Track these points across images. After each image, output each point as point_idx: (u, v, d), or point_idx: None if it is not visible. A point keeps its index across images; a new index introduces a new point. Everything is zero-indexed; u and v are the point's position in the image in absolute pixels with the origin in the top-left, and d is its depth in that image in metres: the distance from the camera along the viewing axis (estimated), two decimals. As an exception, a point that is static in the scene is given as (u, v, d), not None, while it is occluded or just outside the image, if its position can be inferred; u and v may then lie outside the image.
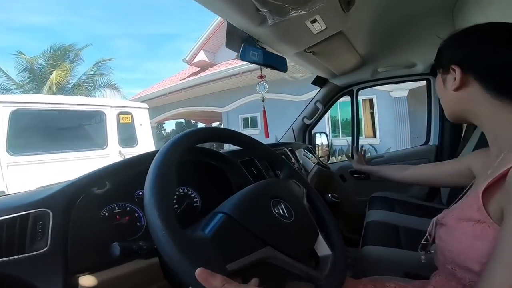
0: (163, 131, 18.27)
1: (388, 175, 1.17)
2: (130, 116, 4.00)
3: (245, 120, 9.65)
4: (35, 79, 9.95)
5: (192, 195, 0.86)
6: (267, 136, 1.34)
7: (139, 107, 4.26)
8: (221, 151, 0.88)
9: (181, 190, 0.84)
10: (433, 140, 1.93)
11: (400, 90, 7.03)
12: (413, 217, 1.48)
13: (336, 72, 1.94)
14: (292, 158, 1.27)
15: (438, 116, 1.89)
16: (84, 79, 10.75)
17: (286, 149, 1.30)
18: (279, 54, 1.40)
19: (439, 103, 1.94)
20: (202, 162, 0.86)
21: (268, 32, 1.16)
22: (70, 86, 10.42)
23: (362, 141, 7.22)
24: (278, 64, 1.40)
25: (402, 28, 1.75)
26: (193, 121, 16.75)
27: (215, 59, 10.62)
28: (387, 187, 1.96)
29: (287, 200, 0.54)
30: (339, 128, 8.21)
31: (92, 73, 10.84)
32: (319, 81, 2.09)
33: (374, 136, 7.56)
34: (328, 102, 2.12)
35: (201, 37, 10.42)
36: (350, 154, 2.17)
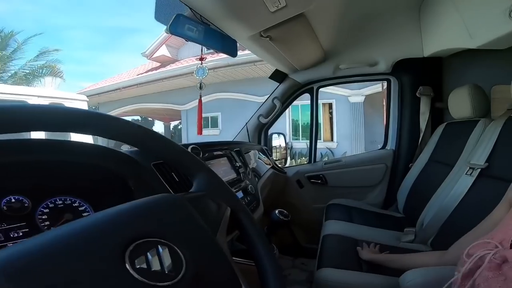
0: (116, 129, 16.83)
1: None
2: (63, 109, 3.42)
3: (205, 119, 9.27)
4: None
5: (82, 208, 0.59)
6: (199, 132, 1.10)
7: (76, 99, 3.74)
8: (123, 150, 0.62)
9: (59, 201, 0.57)
10: (391, 145, 1.85)
11: (358, 96, 7.27)
12: (372, 228, 1.36)
13: (297, 66, 1.78)
14: (238, 161, 1.04)
15: (396, 120, 1.81)
16: (25, 69, 9.69)
17: (230, 150, 1.06)
18: (228, 34, 1.17)
19: (398, 106, 1.91)
20: (99, 166, 0.59)
21: (216, 6, 0.93)
22: (7, 76, 9.34)
23: (320, 144, 7.36)
24: (224, 46, 1.16)
25: (368, 22, 1.68)
26: (150, 119, 15.83)
27: (178, 55, 10.13)
28: (344, 194, 1.85)
29: (176, 239, 0.30)
30: (299, 132, 8.26)
31: (35, 63, 9.78)
32: (278, 76, 1.91)
33: (332, 139, 7.73)
34: (287, 99, 1.94)
35: (164, 31, 9.77)
36: (308, 157, 2.03)
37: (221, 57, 7.60)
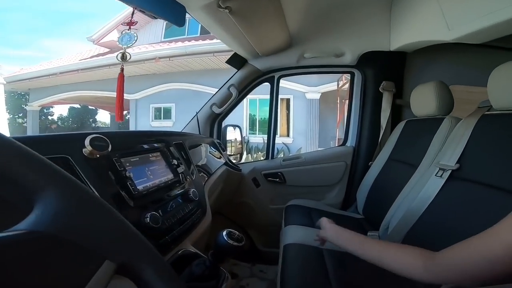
0: (49, 117, 15.01)
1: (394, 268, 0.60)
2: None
3: (158, 110, 8.63)
4: None
5: None
6: (118, 118, 0.84)
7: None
8: None
9: None
10: (351, 141, 1.76)
11: (314, 93, 7.41)
12: None
13: (258, 51, 1.59)
14: (177, 157, 0.80)
15: (357, 116, 1.73)
16: None
17: (169, 143, 0.81)
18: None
19: (360, 101, 1.74)
20: None
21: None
22: None
23: (277, 139, 7.25)
24: (167, 13, 0.91)
25: (338, 10, 1.58)
26: (91, 107, 14.37)
27: None
28: (303, 194, 1.73)
29: None
30: (256, 126, 8.15)
31: None
32: (236, 61, 1.70)
33: (288, 135, 7.78)
34: (244, 88, 1.74)
35: (119, 15, 9.00)
36: (265, 153, 1.86)
37: (177, 46, 7.15)
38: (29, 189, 0.23)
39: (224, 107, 1.70)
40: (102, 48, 9.39)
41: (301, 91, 7.43)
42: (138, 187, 0.59)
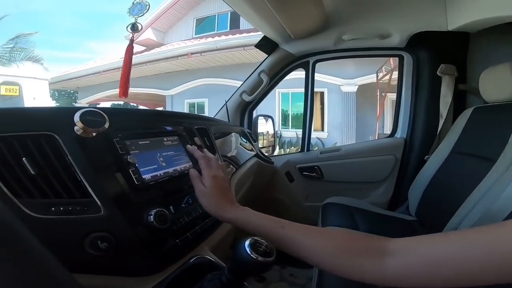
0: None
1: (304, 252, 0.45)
2: (17, 88, 3.02)
3: (192, 105, 8.80)
4: None
5: None
6: (121, 95, 0.74)
7: (33, 77, 3.28)
8: None
9: None
10: (401, 132, 1.53)
11: (351, 86, 6.99)
12: None
13: (291, 33, 1.43)
14: (195, 143, 0.67)
15: (409, 104, 1.49)
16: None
17: (190, 127, 0.69)
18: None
19: (413, 87, 1.46)
20: None
21: None
22: None
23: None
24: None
25: None
26: (132, 104, 15.23)
27: (164, 39, 9.66)
28: (343, 191, 1.53)
29: None
30: (289, 121, 7.91)
31: (11, 45, 9.50)
32: (266, 45, 1.55)
33: (322, 129, 7.43)
34: (276, 74, 1.59)
35: (151, 14, 9.35)
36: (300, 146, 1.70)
37: (208, 41, 7.19)
38: None
39: (255, 94, 1.56)
40: (139, 47, 9.82)
41: (336, 84, 7.05)
42: (144, 176, 0.47)
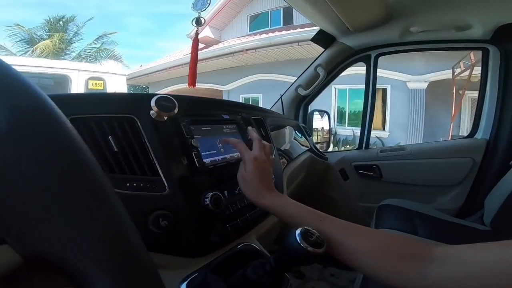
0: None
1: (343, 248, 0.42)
2: (102, 82, 3.50)
3: (247, 100, 9.02)
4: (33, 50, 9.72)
5: None
6: (190, 84, 0.79)
7: (114, 73, 3.74)
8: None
9: None
10: (483, 133, 1.33)
11: (419, 82, 6.30)
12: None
13: (350, 26, 1.35)
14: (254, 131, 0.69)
15: (494, 101, 1.29)
16: (86, 51, 10.68)
17: (248, 117, 0.71)
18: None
19: (500, 83, 1.26)
20: None
21: None
22: (71, 57, 10.23)
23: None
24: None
25: None
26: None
27: (221, 36, 10.10)
28: (403, 193, 1.40)
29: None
30: (346, 118, 7.54)
31: (98, 46, 10.77)
32: (322, 39, 1.48)
33: (383, 128, 6.89)
34: (334, 68, 1.52)
35: (208, 12, 9.83)
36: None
37: (262, 37, 7.24)
38: None
39: (311, 89, 1.52)
40: (199, 44, 10.44)
41: (402, 80, 6.43)
42: (204, 160, 0.51)
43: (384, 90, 6.84)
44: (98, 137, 0.41)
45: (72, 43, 10.37)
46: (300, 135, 1.31)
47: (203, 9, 0.72)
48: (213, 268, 0.45)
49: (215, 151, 0.55)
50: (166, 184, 0.44)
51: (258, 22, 9.25)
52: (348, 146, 6.16)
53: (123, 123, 0.44)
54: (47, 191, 0.16)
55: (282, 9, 8.53)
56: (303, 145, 1.29)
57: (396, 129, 6.65)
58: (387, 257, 0.38)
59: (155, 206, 0.41)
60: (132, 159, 0.43)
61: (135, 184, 0.41)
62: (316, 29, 1.45)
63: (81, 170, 0.18)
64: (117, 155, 0.42)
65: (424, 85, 6.30)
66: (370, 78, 1.53)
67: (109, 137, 0.42)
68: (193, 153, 0.49)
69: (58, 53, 9.58)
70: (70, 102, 0.43)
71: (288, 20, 8.29)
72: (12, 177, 0.15)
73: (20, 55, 9.61)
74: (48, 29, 9.96)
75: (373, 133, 6.48)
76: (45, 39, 9.74)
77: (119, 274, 0.16)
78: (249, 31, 9.43)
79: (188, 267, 0.44)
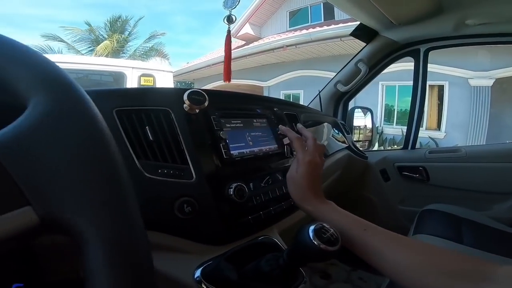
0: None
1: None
2: (152, 78, 3.74)
3: (287, 97, 8.94)
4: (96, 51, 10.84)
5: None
6: (226, 79, 0.81)
7: (163, 70, 3.98)
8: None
9: None
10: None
11: (484, 79, 5.59)
12: (498, 257, 0.83)
13: (392, 19, 1.25)
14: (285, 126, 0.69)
15: None
16: (140, 50, 11.56)
17: (280, 111, 0.72)
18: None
19: None
20: None
21: None
22: (126, 56, 11.15)
23: (422, 132, 6.06)
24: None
25: None
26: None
27: (261, 33, 10.14)
28: (452, 199, 1.27)
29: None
30: (394, 117, 7.04)
31: (149, 45, 11.62)
32: (363, 34, 1.40)
33: (439, 129, 6.28)
34: (377, 63, 1.44)
35: (247, 9, 10.01)
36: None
37: (302, 33, 7.10)
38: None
39: (351, 85, 1.45)
40: (240, 41, 10.57)
41: (462, 76, 5.77)
42: (232, 152, 0.53)
43: (440, 87, 6.23)
44: (137, 127, 0.46)
45: (127, 42, 11.25)
46: (338, 132, 1.27)
47: (233, 7, 0.75)
48: (228, 256, 0.47)
49: (244, 144, 0.57)
50: (193, 173, 0.47)
51: (298, 18, 9.09)
52: (395, 146, 5.76)
53: (159, 115, 0.49)
54: (71, 168, 0.19)
55: (322, 4, 8.25)
56: (341, 143, 1.25)
57: (453, 129, 6.01)
58: (439, 274, 0.34)
59: (181, 192, 0.44)
60: (165, 148, 0.47)
61: (165, 171, 0.45)
62: (358, 24, 1.38)
63: (103, 157, 0.21)
64: (152, 144, 0.46)
65: (490, 82, 5.59)
66: (420, 74, 1.41)
67: (146, 127, 0.46)
68: (221, 145, 0.51)
69: (116, 52, 10.51)
70: (116, 96, 0.49)
71: (329, 15, 8.00)
72: (49, 154, 0.19)
73: (84, 54, 10.80)
74: (109, 29, 10.93)
75: (427, 133, 6.03)
76: (106, 39, 10.71)
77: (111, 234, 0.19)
78: (289, 27, 9.32)
79: (207, 254, 0.47)
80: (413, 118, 1.43)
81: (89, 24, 10.64)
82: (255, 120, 0.63)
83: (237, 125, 0.58)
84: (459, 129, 5.93)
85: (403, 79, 5.88)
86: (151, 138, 0.46)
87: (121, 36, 10.74)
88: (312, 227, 0.36)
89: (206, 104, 0.50)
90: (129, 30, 11.26)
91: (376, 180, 1.44)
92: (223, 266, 0.43)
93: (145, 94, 0.51)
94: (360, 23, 1.34)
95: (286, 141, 0.61)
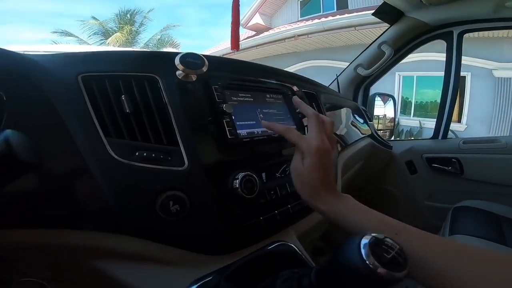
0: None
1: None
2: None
3: (299, 88, 8.80)
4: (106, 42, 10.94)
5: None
6: (233, 47, 0.70)
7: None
8: None
9: None
10: None
11: (509, 70, 5.27)
12: None
13: None
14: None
15: None
16: (152, 42, 11.62)
17: (298, 89, 0.58)
18: None
19: None
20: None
21: None
22: (139, 47, 11.22)
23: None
24: None
25: None
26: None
27: (271, 23, 9.88)
28: (490, 195, 1.13)
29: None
30: (411, 108, 6.75)
31: (158, 37, 11.62)
32: (388, 14, 1.27)
33: (459, 121, 5.97)
34: (402, 46, 1.31)
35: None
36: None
37: (314, 22, 6.90)
38: None
39: (373, 68, 1.32)
40: (250, 32, 10.42)
41: (485, 67, 5.48)
42: (239, 131, 0.40)
43: (462, 78, 5.92)
44: (110, 96, 0.34)
45: (138, 34, 11.31)
46: (359, 119, 1.14)
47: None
48: (230, 273, 0.35)
49: (254, 122, 0.44)
50: (185, 157, 0.34)
51: (309, 7, 8.79)
52: (412, 138, 5.52)
53: (143, 83, 0.37)
54: None
55: (334, -8, 7.97)
56: (362, 131, 1.11)
57: (475, 122, 5.73)
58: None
59: (167, 184, 0.32)
60: (147, 122, 0.35)
61: (145, 154, 0.33)
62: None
63: None
64: (128, 117, 0.34)
65: (516, 73, 5.27)
66: (453, 59, 1.27)
67: (122, 96, 0.35)
68: (224, 121, 0.39)
69: (128, 44, 10.54)
70: (84, 59, 0.37)
71: (342, 4, 7.71)
72: None
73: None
74: (118, 22, 10.96)
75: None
76: (116, 31, 10.75)
77: None
78: (300, 17, 9.07)
79: (202, 267, 0.35)
80: (445, 106, 1.29)
81: (95, 18, 10.77)
82: (268, 96, 0.50)
83: (246, 99, 0.45)
84: (481, 121, 5.64)
85: (421, 69, 5.62)
86: (127, 110, 0.34)
87: (132, 28, 10.79)
88: (364, 240, 0.23)
89: (204, 69, 0.37)
90: (140, 22, 11.33)
91: (401, 172, 1.30)
92: (225, 287, 0.31)
93: (126, 58, 0.39)
94: (384, 3, 1.22)
95: (305, 121, 0.49)
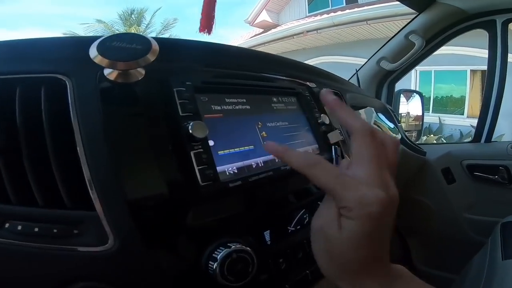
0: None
1: None
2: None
3: (309, 86, 8.65)
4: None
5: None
6: (202, 29, 0.53)
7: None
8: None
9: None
10: None
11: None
12: None
13: None
14: (325, 111, 0.38)
15: None
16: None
17: (312, 87, 0.40)
18: None
19: None
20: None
21: None
22: None
23: (463, 120, 5.57)
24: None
25: None
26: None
27: (279, 20, 9.72)
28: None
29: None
30: (430, 103, 6.44)
31: (163, 35, 11.54)
32: (415, 1, 1.11)
33: (484, 117, 5.67)
34: (436, 36, 1.14)
35: None
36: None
37: (323, 17, 6.73)
38: None
39: (401, 61, 1.15)
40: (258, 29, 10.34)
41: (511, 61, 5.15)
42: (222, 169, 0.23)
43: (484, 72, 5.62)
44: None
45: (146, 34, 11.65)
46: (388, 122, 0.96)
47: None
48: None
49: (252, 147, 0.27)
50: (107, 229, 0.18)
51: (317, 2, 8.54)
52: (432, 135, 5.23)
53: (36, 89, 0.20)
54: None
55: (344, -14, 7.77)
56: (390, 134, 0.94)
57: (500, 118, 5.41)
58: None
59: (73, 273, 0.18)
60: (30, 166, 0.18)
61: (20, 228, 0.17)
62: (388, 5, 1.07)
63: None
64: None
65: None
66: (497, 50, 1.10)
67: None
68: (192, 153, 0.21)
69: (135, 47, 11.07)
70: None
71: (352, -1, 7.52)
72: None
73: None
74: (123, 24, 11.01)
75: (468, 121, 5.54)
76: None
77: None
78: (308, 13, 8.94)
79: None
80: (488, 104, 1.13)
81: (100, 21, 10.83)
82: (274, 99, 0.32)
83: (237, 107, 0.28)
84: (506, 117, 5.30)
85: (440, 63, 5.36)
86: None
87: (138, 29, 10.93)
88: None
89: (150, 57, 0.20)
90: (147, 23, 11.34)
91: (436, 181, 1.12)
92: None
93: (11, 49, 0.23)
94: None
95: (333, 137, 0.31)
